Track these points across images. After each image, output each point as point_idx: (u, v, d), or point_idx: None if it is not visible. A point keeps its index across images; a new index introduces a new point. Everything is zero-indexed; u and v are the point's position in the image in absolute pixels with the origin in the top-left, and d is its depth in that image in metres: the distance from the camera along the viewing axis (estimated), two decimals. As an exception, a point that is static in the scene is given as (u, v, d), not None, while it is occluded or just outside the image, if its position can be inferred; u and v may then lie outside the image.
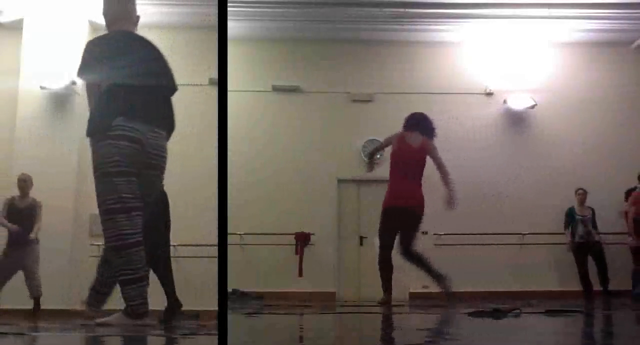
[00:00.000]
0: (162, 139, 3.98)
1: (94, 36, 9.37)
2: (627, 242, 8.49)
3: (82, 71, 3.95)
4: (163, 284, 5.28)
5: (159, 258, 5.17)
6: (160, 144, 3.95)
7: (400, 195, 6.27)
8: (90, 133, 3.85)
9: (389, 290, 6.24)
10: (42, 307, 7.40)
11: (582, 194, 9.13)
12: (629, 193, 8.53)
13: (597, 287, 8.72)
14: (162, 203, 5.09)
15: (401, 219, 6.27)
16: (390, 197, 6.33)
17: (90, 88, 3.94)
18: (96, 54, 3.94)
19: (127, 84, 3.88)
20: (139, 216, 3.81)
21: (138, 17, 4.24)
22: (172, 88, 4.15)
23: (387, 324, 4.18)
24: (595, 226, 8.97)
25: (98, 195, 3.80)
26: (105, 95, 3.85)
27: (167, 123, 4.06)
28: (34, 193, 7.58)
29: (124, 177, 3.75)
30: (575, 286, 8.83)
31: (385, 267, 6.25)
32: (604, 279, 8.69)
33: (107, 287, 4.16)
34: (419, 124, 6.51)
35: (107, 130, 3.75)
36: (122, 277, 3.76)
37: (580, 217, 9.01)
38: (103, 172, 3.77)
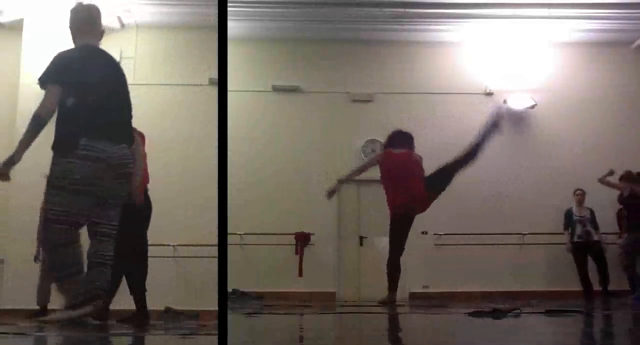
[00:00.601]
0: (125, 149, 4.10)
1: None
2: (618, 243, 8.48)
3: (43, 80, 4.03)
4: (134, 292, 5.25)
5: (134, 264, 5.16)
6: (124, 154, 4.08)
7: (410, 199, 6.37)
8: (55, 149, 3.98)
9: (394, 290, 6.36)
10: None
11: (580, 195, 9.13)
12: (621, 196, 8.43)
13: (597, 287, 8.72)
14: (140, 206, 5.05)
15: (411, 221, 6.49)
16: (400, 202, 6.40)
17: (52, 96, 3.99)
18: (62, 67, 4.04)
19: (92, 101, 3.98)
20: (76, 229, 3.97)
21: (103, 32, 4.33)
22: (130, 104, 4.30)
23: (393, 323, 4.18)
24: (596, 226, 8.96)
25: (46, 203, 3.98)
26: (70, 112, 3.96)
27: (127, 139, 4.19)
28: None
29: (76, 194, 3.90)
30: (575, 286, 8.83)
31: (395, 270, 6.39)
32: (604, 278, 8.68)
33: (101, 289, 4.16)
34: (397, 139, 6.72)
35: (73, 148, 3.89)
36: (58, 274, 3.93)
37: (579, 217, 9.01)
38: (57, 186, 3.92)
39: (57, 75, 3.99)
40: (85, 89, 3.99)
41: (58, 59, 4.08)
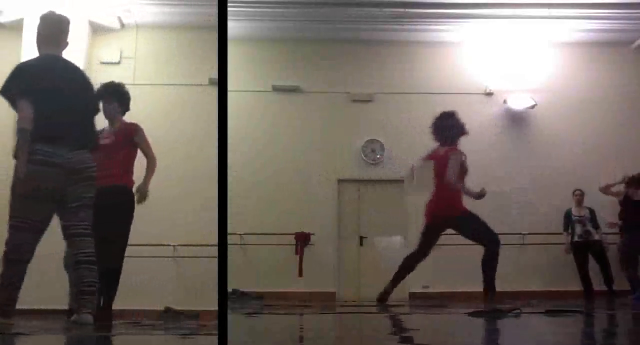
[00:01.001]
0: (85, 153, 4.18)
1: (94, 36, 9.37)
2: (617, 244, 8.48)
3: (3, 91, 4.10)
4: (108, 284, 5.16)
5: (112, 259, 5.11)
6: (84, 157, 4.16)
7: (441, 205, 6.28)
8: (14, 155, 4.05)
9: (394, 285, 6.38)
10: (41, 307, 7.33)
11: (579, 195, 9.13)
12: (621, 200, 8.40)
13: (598, 286, 8.71)
14: (119, 204, 5.03)
15: (443, 228, 6.45)
16: (432, 210, 6.33)
17: (26, 107, 4.04)
18: (23, 76, 4.10)
19: (49, 108, 4.04)
20: (39, 236, 4.06)
21: (67, 43, 4.40)
22: (95, 109, 4.49)
23: (394, 323, 4.18)
24: (596, 226, 8.95)
25: (10, 210, 4.04)
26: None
27: (88, 142, 4.29)
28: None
29: (38, 200, 3.99)
30: (575, 286, 8.83)
31: (407, 268, 6.40)
32: (607, 278, 8.66)
33: (92, 286, 4.16)
34: (439, 128, 6.55)
35: (30, 154, 3.96)
36: (5, 283, 3.98)
37: (578, 217, 9.01)
38: (19, 193, 3.99)
39: (19, 86, 4.03)
40: (43, 97, 4.04)
41: (17, 70, 4.15)
